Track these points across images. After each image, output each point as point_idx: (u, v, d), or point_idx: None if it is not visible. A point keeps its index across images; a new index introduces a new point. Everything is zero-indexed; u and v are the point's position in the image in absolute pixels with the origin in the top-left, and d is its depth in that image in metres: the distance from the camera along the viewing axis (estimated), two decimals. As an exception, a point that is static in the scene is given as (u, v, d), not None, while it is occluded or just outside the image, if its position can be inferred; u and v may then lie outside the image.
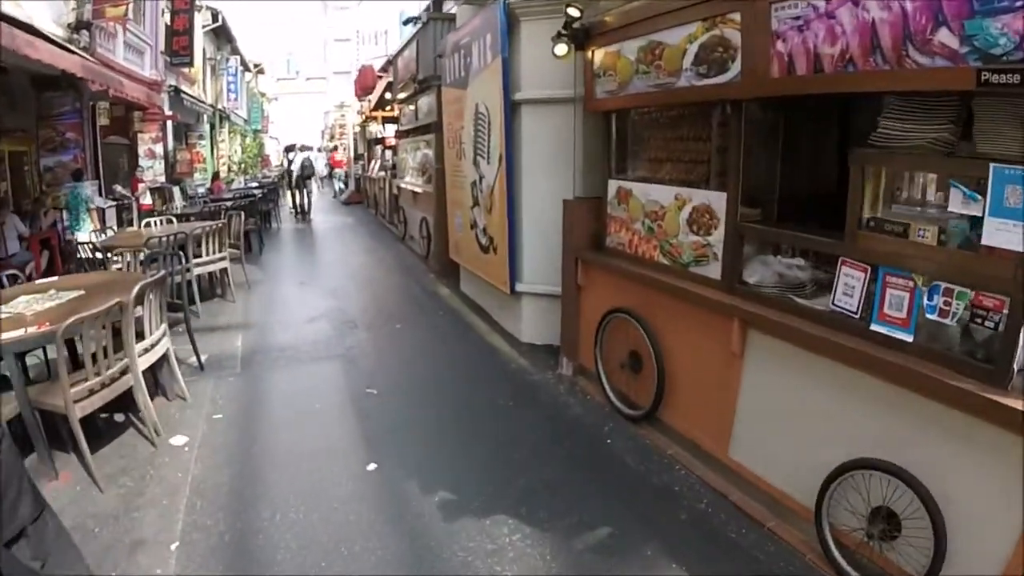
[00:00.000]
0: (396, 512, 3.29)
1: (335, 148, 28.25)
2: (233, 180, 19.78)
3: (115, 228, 8.91)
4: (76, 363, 3.83)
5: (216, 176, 16.69)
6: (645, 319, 3.95)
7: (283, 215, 17.37)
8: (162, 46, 13.85)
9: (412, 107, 11.13)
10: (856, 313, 2.71)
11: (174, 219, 8.69)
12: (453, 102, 7.07)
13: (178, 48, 14.31)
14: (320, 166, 23.31)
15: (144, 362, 4.06)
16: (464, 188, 6.82)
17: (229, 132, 23.20)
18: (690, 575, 2.79)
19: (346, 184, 23.36)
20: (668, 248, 3.82)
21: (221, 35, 20.56)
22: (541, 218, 5.37)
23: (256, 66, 27.45)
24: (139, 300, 3.99)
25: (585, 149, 4.79)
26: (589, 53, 4.33)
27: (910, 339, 2.51)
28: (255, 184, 17.71)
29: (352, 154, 24.73)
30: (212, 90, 20.35)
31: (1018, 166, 2.12)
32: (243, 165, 24.28)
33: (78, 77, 7.60)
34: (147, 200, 11.80)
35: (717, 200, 3.40)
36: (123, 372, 3.84)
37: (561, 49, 4.34)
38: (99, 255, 6.82)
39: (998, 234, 2.18)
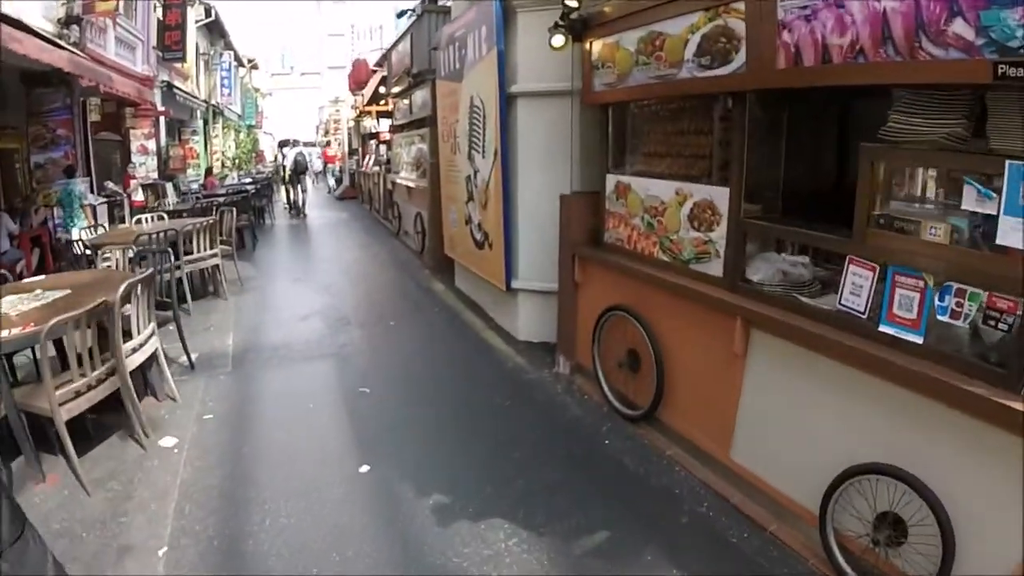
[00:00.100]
0: (389, 516, 3.21)
1: (328, 143, 28.12)
2: (226, 176, 19.64)
3: (106, 225, 8.80)
4: (66, 363, 3.73)
5: (209, 172, 16.53)
6: (644, 317, 3.87)
7: (277, 211, 17.25)
8: (154, 41, 13.75)
9: (406, 101, 11.04)
10: (864, 313, 2.63)
11: (165, 215, 8.56)
12: (448, 95, 6.97)
13: (170, 43, 14.28)
14: (314, 161, 23.19)
15: (132, 362, 3.97)
16: (459, 183, 6.73)
17: (223, 128, 23.10)
18: (691, 580, 2.72)
19: (340, 179, 23.24)
20: (668, 245, 3.73)
21: (214, 30, 20.50)
22: (537, 213, 5.28)
23: (250, 61, 27.36)
24: (126, 299, 3.90)
25: (582, 143, 4.70)
26: (587, 44, 4.23)
27: (920, 341, 2.43)
28: (249, 180, 17.55)
29: (346, 149, 24.62)
30: (205, 85, 20.26)
31: (1035, 163, 2.04)
32: (237, 161, 24.19)
33: (66, 72, 7.50)
34: (139, 197, 11.70)
35: (719, 196, 3.31)
36: (110, 373, 3.76)
37: (558, 40, 4.24)
38: (88, 253, 6.71)
39: (1013, 233, 2.10)
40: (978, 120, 2.32)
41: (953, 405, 2.27)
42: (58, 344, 3.66)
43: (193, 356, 5.29)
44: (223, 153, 22.39)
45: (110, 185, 11.22)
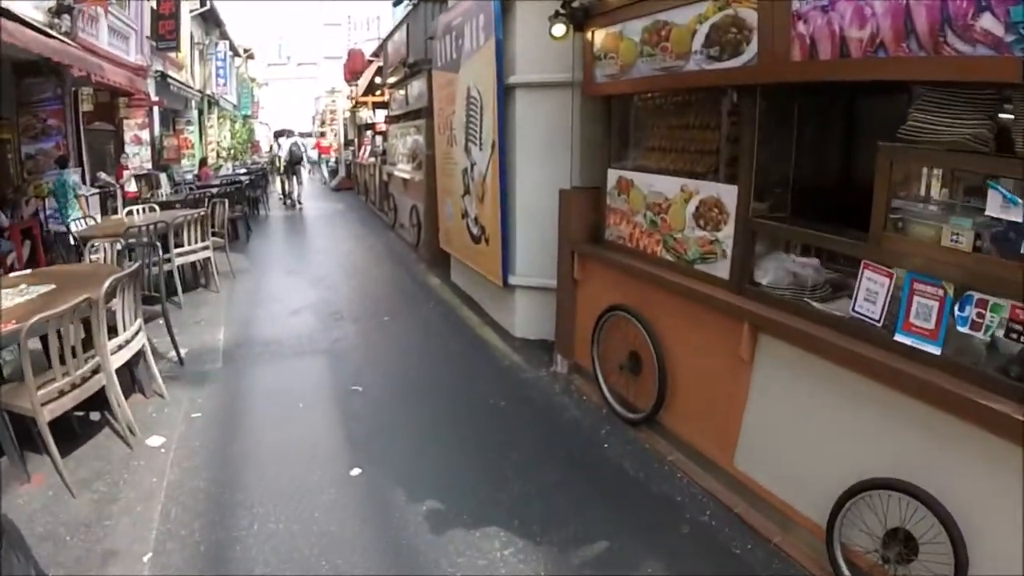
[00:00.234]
0: (381, 522, 3.11)
1: (322, 134, 27.93)
2: (221, 166, 19.49)
3: (97, 217, 8.69)
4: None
5: (204, 162, 16.42)
6: (646, 318, 3.75)
7: (272, 202, 17.12)
8: (148, 31, 13.67)
9: (402, 92, 10.90)
10: (879, 321, 2.51)
11: (157, 207, 8.42)
12: (444, 86, 6.83)
13: (164, 33, 14.22)
14: (309, 152, 23.05)
15: (118, 360, 3.87)
16: (455, 176, 6.61)
17: (218, 118, 22.99)
18: (693, 594, 2.63)
19: (336, 170, 23.11)
20: (672, 243, 3.61)
21: (209, 20, 20.43)
22: (536, 208, 5.16)
23: (246, 51, 27.26)
24: (111, 295, 3.79)
25: (583, 136, 4.56)
26: (588, 34, 4.09)
27: (938, 352, 2.31)
28: (243, 171, 17.40)
29: (342, 140, 24.48)
30: (200, 75, 20.20)
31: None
32: (233, 151, 24.06)
33: (55, 62, 7.39)
34: (132, 187, 11.60)
35: (727, 193, 3.18)
36: (95, 371, 3.65)
37: (559, 30, 4.11)
38: (78, 245, 6.59)
39: (1040, 242, 1.98)
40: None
41: (971, 420, 2.15)
42: (45, 340, 3.55)
43: (182, 351, 5.19)
44: (218, 143, 22.27)
45: (103, 176, 11.11)
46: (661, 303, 3.66)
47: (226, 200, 8.72)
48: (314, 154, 25.26)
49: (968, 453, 2.20)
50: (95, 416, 4.07)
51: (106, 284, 3.68)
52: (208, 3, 18.48)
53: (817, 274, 2.96)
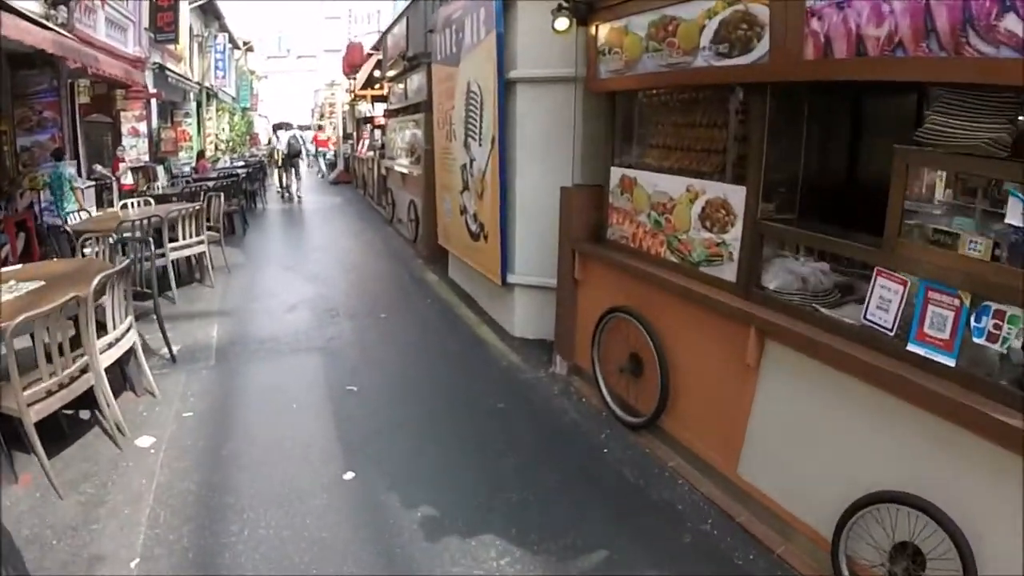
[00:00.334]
0: (374, 529, 3.03)
1: (320, 127, 27.79)
2: (219, 159, 19.36)
3: (91, 210, 8.58)
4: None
5: (201, 155, 16.29)
6: (648, 321, 3.66)
7: (270, 195, 17.01)
8: (146, 22, 13.56)
9: (401, 86, 10.81)
10: (891, 330, 2.43)
11: (152, 200, 8.30)
12: (444, 80, 6.73)
13: (162, 24, 14.16)
14: (307, 145, 22.96)
15: (107, 358, 3.79)
16: (453, 171, 6.51)
17: (217, 110, 22.89)
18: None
19: (335, 164, 23.01)
20: (677, 245, 3.52)
21: (208, 12, 20.32)
22: (536, 205, 5.07)
23: (245, 43, 27.13)
24: (100, 292, 3.71)
25: (585, 133, 4.48)
26: (592, 28, 3.99)
27: (952, 363, 2.23)
28: (241, 163, 17.29)
29: (341, 133, 24.37)
30: (199, 68, 20.10)
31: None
32: (231, 143, 23.93)
33: (48, 53, 7.27)
34: (128, 180, 11.51)
35: (734, 194, 3.08)
36: (83, 370, 3.56)
37: (562, 23, 4.01)
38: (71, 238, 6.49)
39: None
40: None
41: (984, 434, 2.08)
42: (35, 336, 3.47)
43: (175, 348, 5.11)
44: (217, 136, 22.15)
45: (99, 168, 11.02)
46: (664, 305, 3.58)
47: (222, 194, 8.61)
48: (312, 147, 25.17)
49: (981, 468, 2.13)
50: (85, 414, 3.99)
51: (95, 282, 3.60)
52: (207, -5, 18.39)
53: (826, 279, 2.88)
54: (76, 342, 3.55)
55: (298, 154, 17.16)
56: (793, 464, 2.86)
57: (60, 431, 3.73)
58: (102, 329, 3.81)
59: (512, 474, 3.46)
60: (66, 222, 7.63)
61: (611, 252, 4.07)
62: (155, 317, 4.99)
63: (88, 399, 3.66)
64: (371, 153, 15.26)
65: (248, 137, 28.40)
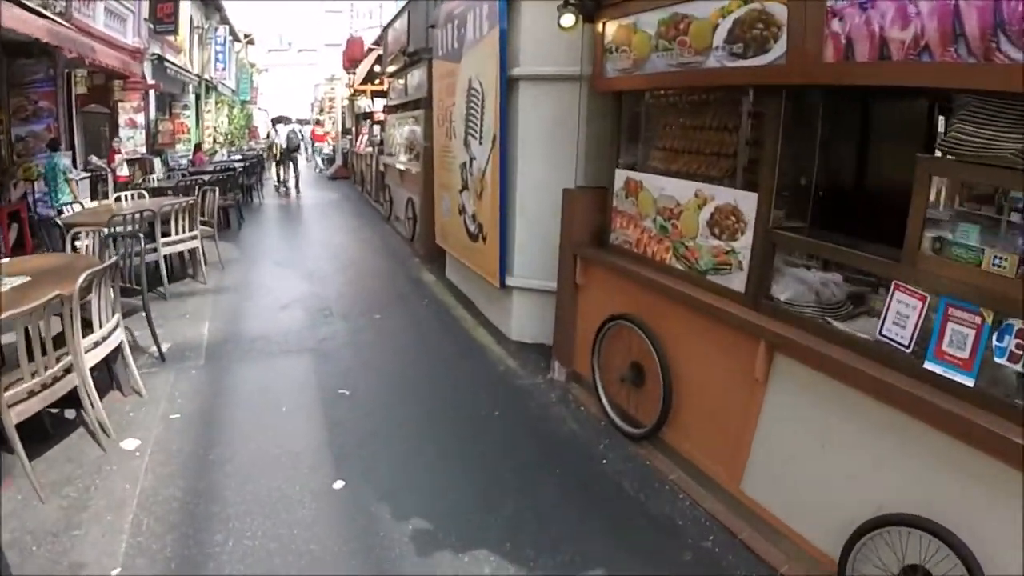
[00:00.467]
0: (364, 542, 2.91)
1: (318, 121, 27.66)
2: (216, 152, 19.22)
3: (84, 203, 8.46)
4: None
5: (198, 148, 16.17)
6: (652, 329, 3.54)
7: (267, 190, 16.87)
8: (145, 13, 13.47)
9: (401, 81, 10.70)
10: (908, 347, 2.32)
11: (146, 193, 8.18)
12: (445, 76, 6.61)
13: (162, 15, 14.17)
14: (306, 139, 22.87)
15: (92, 358, 3.68)
16: (453, 170, 6.40)
17: (216, 103, 22.76)
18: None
19: (333, 159, 22.91)
20: (683, 251, 3.40)
21: (209, 3, 20.32)
22: (537, 207, 4.96)
23: (246, 36, 27.03)
24: (86, 290, 3.59)
25: (589, 133, 4.36)
26: (599, 25, 3.86)
27: (971, 383, 2.13)
28: (238, 157, 17.15)
29: (340, 128, 24.25)
30: (199, 60, 19.99)
31: None
32: (230, 137, 23.78)
33: (44, 42, 7.17)
34: (124, 172, 11.40)
35: (745, 201, 2.96)
36: (68, 370, 3.45)
37: (568, 20, 3.88)
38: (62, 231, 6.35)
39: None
40: None
41: (1003, 458, 1.98)
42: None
43: (164, 346, 4.99)
44: (215, 129, 21.99)
45: (94, 159, 10.91)
46: (669, 314, 3.46)
47: (217, 188, 8.47)
48: (310, 142, 25.08)
49: (997, 491, 2.04)
50: (70, 414, 3.89)
51: (80, 279, 3.48)
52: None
53: (839, 290, 2.77)
54: (61, 340, 3.43)
55: (297, 148, 17.05)
56: (800, 482, 2.75)
57: (44, 431, 3.63)
58: (88, 327, 3.69)
59: (507, 486, 3.35)
60: (60, 213, 7.52)
61: (614, 257, 3.95)
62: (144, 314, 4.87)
63: (74, 398, 3.54)
64: (370, 149, 15.17)
65: (247, 131, 28.28)
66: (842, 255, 2.64)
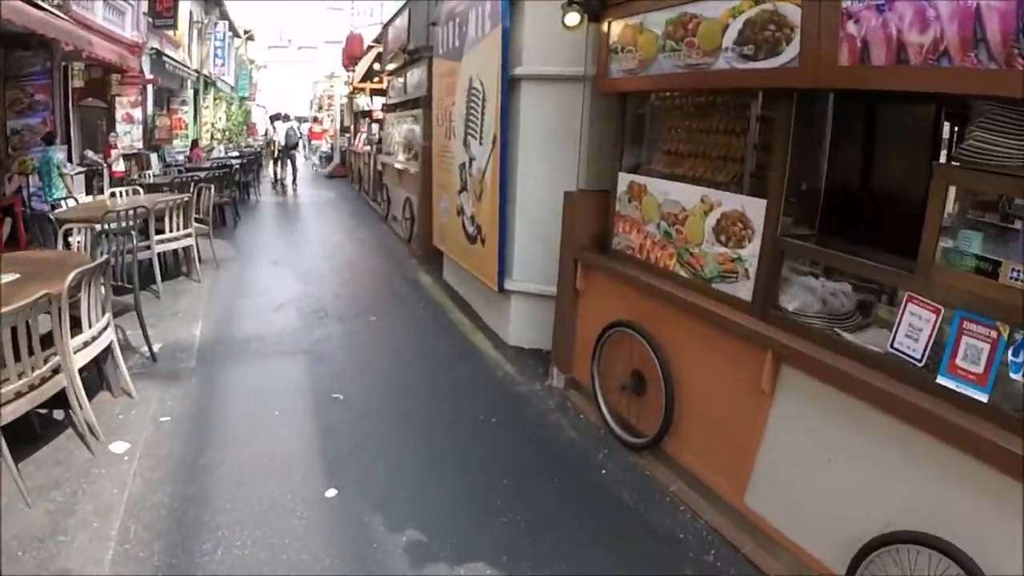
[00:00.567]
0: (357, 554, 2.83)
1: (315, 119, 27.57)
2: (213, 148, 19.12)
3: (78, 198, 8.34)
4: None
5: (195, 144, 16.05)
6: (654, 337, 3.46)
7: (264, 187, 16.77)
8: (145, 7, 13.44)
9: (401, 80, 10.60)
10: (920, 360, 2.25)
11: (141, 189, 8.07)
12: (445, 75, 6.53)
13: (161, 10, 14.16)
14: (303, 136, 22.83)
15: (82, 358, 3.60)
16: (452, 170, 6.32)
17: (214, 99, 22.65)
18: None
19: (331, 157, 22.85)
20: (688, 258, 3.32)
21: (210, -1, 20.01)
22: (537, 209, 4.88)
23: (246, 32, 26.93)
24: (76, 289, 3.52)
25: (592, 135, 4.28)
26: (604, 25, 3.77)
27: (984, 399, 2.07)
28: (236, 154, 17.06)
29: (339, 126, 24.17)
30: (198, 55, 19.94)
31: None
32: (227, 133, 23.66)
33: (39, 34, 7.10)
34: (120, 167, 11.30)
35: (753, 207, 2.88)
36: (56, 371, 3.37)
37: (572, 19, 3.81)
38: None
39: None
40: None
41: (1018, 476, 1.92)
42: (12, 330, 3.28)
43: (156, 346, 4.91)
44: (213, 125, 21.89)
45: (90, 154, 10.81)
46: (672, 322, 3.38)
47: (212, 185, 8.38)
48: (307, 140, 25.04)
49: (1010, 511, 1.97)
50: (59, 414, 3.79)
51: (69, 278, 3.40)
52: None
53: (848, 300, 2.69)
54: (49, 340, 3.35)
55: (295, 146, 16.96)
56: (805, 496, 2.68)
57: (32, 431, 3.56)
58: (77, 327, 3.61)
59: (504, 496, 3.26)
60: (53, 208, 7.42)
61: (616, 263, 3.87)
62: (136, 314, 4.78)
63: (63, 398, 3.46)
64: (368, 147, 15.07)
65: (245, 127, 28.19)
66: (855, 265, 2.57)
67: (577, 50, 4.16)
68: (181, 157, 14.57)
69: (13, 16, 6.34)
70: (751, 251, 2.90)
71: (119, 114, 12.59)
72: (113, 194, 7.72)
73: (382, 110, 14.04)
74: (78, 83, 10.50)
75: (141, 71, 12.90)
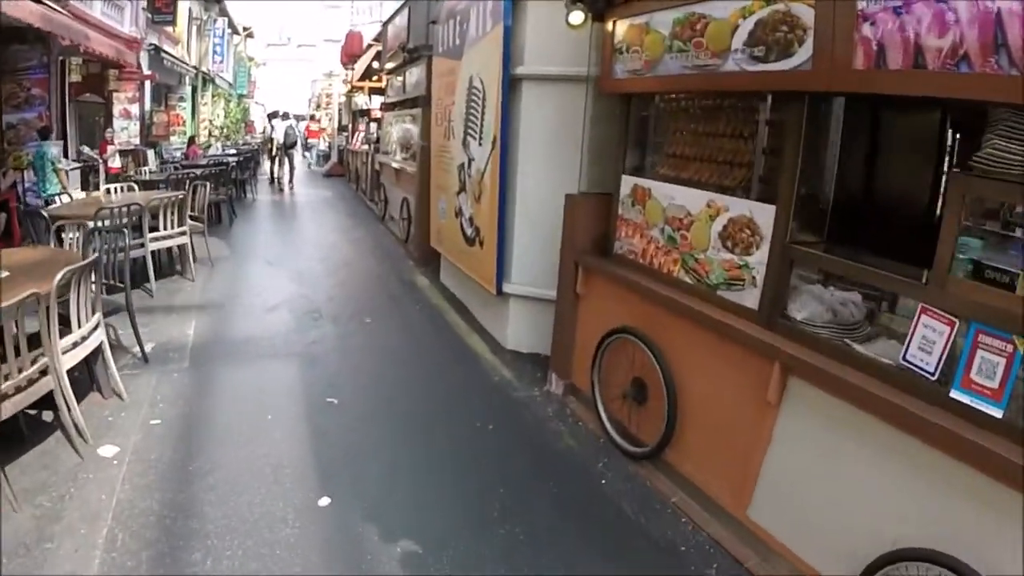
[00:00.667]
0: (350, 565, 2.75)
1: (312, 117, 27.47)
2: (210, 145, 19.01)
3: (72, 194, 8.26)
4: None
5: (192, 141, 15.95)
6: (656, 345, 3.38)
7: (261, 185, 16.66)
8: (144, 2, 13.41)
9: (400, 79, 10.53)
10: (933, 374, 2.18)
11: (136, 186, 7.98)
12: (444, 74, 6.46)
13: (160, 5, 14.19)
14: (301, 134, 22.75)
15: (70, 359, 3.53)
16: (450, 171, 6.23)
17: (212, 96, 22.56)
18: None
19: (328, 155, 22.78)
20: (692, 264, 3.24)
21: (209, -5, 19.95)
22: (537, 212, 4.81)
23: (245, 29, 26.89)
24: (65, 288, 3.44)
25: (595, 136, 4.19)
26: (609, 24, 3.69)
27: (999, 414, 2.01)
28: (233, 151, 16.96)
29: (337, 125, 24.09)
30: (196, 51, 19.88)
31: None
32: (225, 130, 23.54)
33: (35, 27, 7.02)
34: (116, 163, 11.21)
35: (762, 213, 2.80)
36: (43, 372, 3.29)
37: (576, 17, 3.73)
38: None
39: None
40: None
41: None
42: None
43: (148, 346, 4.83)
44: (211, 122, 21.79)
45: (86, 150, 10.71)
46: (675, 329, 3.31)
47: (207, 183, 8.28)
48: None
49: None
50: (47, 415, 3.71)
51: (57, 277, 3.31)
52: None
53: (858, 310, 2.62)
54: (38, 340, 3.27)
55: (294, 145, 16.86)
56: (812, 510, 2.61)
57: (19, 433, 3.48)
58: (67, 326, 3.54)
59: (501, 506, 3.18)
60: (47, 204, 7.32)
61: (618, 267, 3.79)
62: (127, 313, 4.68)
63: (52, 399, 3.37)
64: (365, 147, 14.98)
65: (243, 125, 28.08)
66: (868, 275, 2.49)
67: (580, 50, 4.08)
68: (178, 154, 14.46)
69: (10, 9, 6.25)
70: (759, 258, 2.83)
71: (116, 110, 12.51)
72: (108, 190, 7.63)
73: (380, 109, 13.98)
74: (75, 78, 10.47)
75: (139, 67, 12.81)
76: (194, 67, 19.09)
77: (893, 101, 2.74)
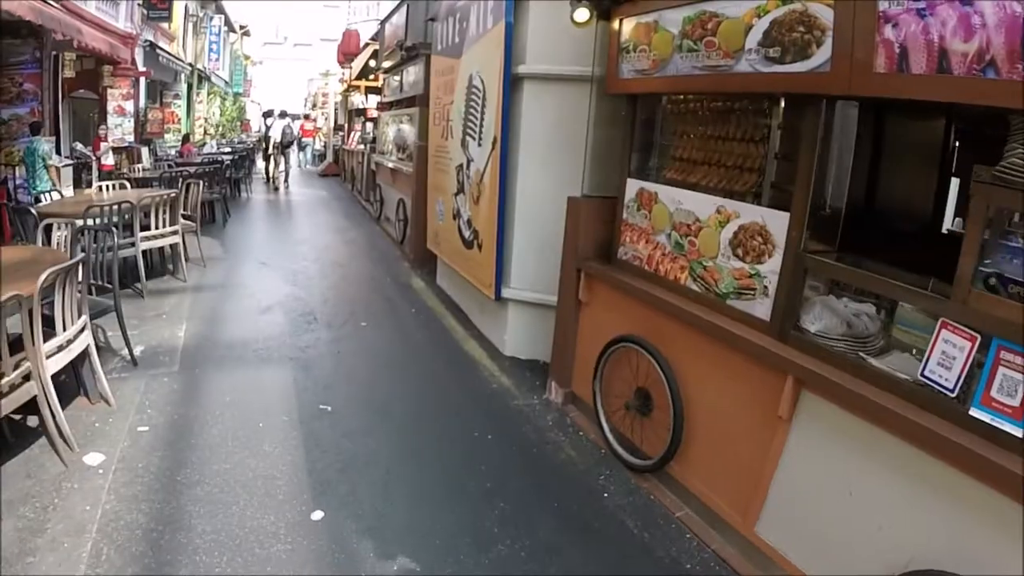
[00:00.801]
0: (344, 583, 2.65)
1: (307, 116, 27.31)
2: (205, 144, 18.87)
3: (63, 191, 8.13)
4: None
5: (187, 138, 15.83)
6: (662, 355, 3.28)
7: (256, 184, 16.52)
8: None
9: (397, 78, 10.42)
10: (952, 391, 2.09)
11: (128, 184, 7.85)
12: (443, 73, 6.35)
13: (156, 2, 14.07)
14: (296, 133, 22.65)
15: (55, 363, 3.42)
16: (448, 172, 6.13)
17: (208, 93, 22.44)
18: None
19: (324, 155, 22.67)
20: (701, 272, 3.14)
21: (206, -8, 19.86)
22: (538, 215, 4.72)
23: (242, 28, 26.78)
24: (49, 289, 3.33)
25: (599, 138, 4.07)
26: (615, 22, 3.59)
27: (1020, 434, 1.92)
28: (228, 149, 16.83)
29: (332, 124, 23.97)
30: (192, 49, 19.78)
31: None
32: (220, 128, 23.40)
33: (26, 20, 6.90)
34: (109, 160, 11.07)
35: (775, 220, 2.70)
36: (26, 377, 3.18)
37: (581, 15, 3.62)
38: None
39: None
40: None
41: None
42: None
43: (137, 349, 4.74)
44: (206, 120, 21.64)
45: (79, 146, 10.56)
46: (681, 339, 3.20)
47: (200, 181, 8.16)
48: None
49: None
50: (32, 420, 3.58)
51: (42, 278, 3.20)
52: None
53: (872, 322, 2.53)
54: (20, 344, 3.17)
55: (290, 144, 16.76)
56: (822, 529, 2.51)
57: (2, 439, 3.40)
58: (52, 328, 3.43)
59: (500, 522, 3.08)
60: (37, 201, 7.19)
61: (622, 274, 3.68)
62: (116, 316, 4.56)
63: (36, 405, 3.27)
64: (361, 146, 14.87)
65: (239, 123, 27.94)
66: (887, 287, 2.39)
67: (584, 49, 3.98)
68: (173, 152, 14.36)
69: (2, 3, 6.14)
70: (771, 267, 2.73)
71: (111, 106, 12.42)
72: (100, 188, 7.50)
73: (377, 108, 13.88)
74: (69, 73, 10.34)
75: (134, 63, 12.70)
76: (190, 64, 19.02)
77: (898, 106, 2.66)
